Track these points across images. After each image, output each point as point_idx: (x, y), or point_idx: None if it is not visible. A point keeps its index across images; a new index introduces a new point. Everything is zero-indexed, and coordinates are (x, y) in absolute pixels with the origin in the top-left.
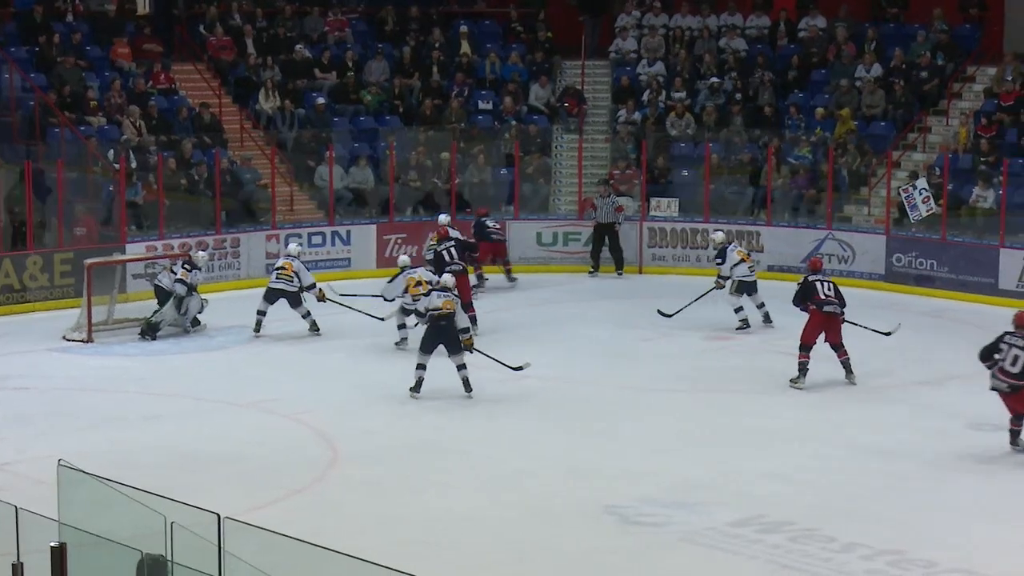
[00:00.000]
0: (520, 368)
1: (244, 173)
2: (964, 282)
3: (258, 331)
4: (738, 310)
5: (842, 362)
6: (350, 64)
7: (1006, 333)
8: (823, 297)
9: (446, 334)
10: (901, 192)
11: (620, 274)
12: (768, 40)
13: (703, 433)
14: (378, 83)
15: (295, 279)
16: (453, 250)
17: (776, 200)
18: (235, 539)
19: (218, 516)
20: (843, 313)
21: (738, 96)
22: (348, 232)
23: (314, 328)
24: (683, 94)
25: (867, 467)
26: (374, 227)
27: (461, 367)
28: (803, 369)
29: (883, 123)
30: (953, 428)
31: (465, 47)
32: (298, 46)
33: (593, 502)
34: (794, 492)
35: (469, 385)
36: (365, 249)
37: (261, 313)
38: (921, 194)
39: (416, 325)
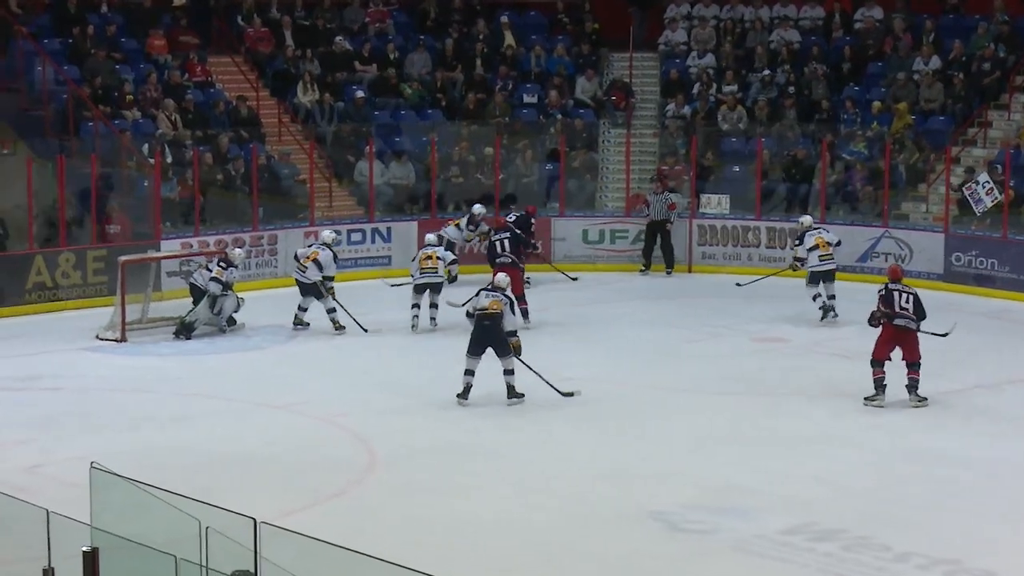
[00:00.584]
0: (570, 395)
1: (282, 168)
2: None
3: (298, 325)
4: (815, 297)
5: (909, 380)
6: (391, 57)
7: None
8: (898, 310)
9: (492, 335)
10: (964, 191)
11: (670, 273)
12: (823, 32)
13: (749, 437)
14: (419, 76)
15: (313, 269)
16: (506, 242)
17: (831, 197)
18: (271, 544)
19: (254, 521)
20: (919, 327)
21: (791, 89)
22: (388, 229)
23: (338, 327)
24: (734, 87)
25: (920, 473)
26: (415, 224)
27: (508, 372)
28: (879, 385)
29: (942, 117)
30: (1009, 432)
31: (509, 39)
32: (338, 38)
33: (634, 506)
34: (845, 498)
35: (513, 392)
36: (406, 247)
37: (301, 309)
38: (984, 187)
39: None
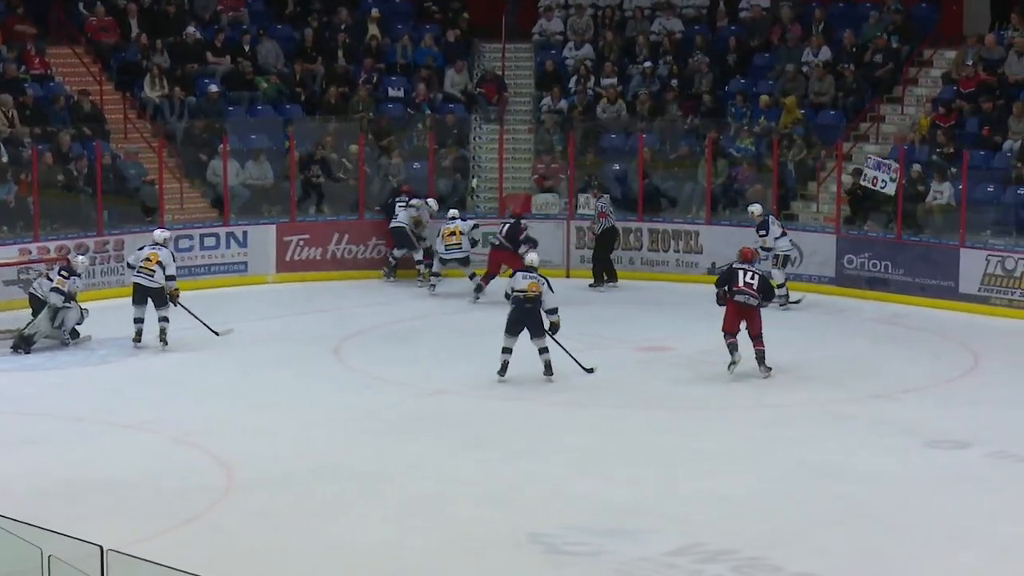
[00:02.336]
0: (591, 370)
1: (128, 168)
2: (922, 285)
3: (138, 340)
4: (780, 286)
5: (756, 352)
6: (246, 48)
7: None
8: (741, 286)
9: (531, 316)
10: (868, 184)
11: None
12: (707, 21)
13: (634, 453)
14: (276, 69)
15: (160, 272)
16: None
17: (716, 196)
18: (120, 573)
19: (101, 548)
20: (758, 305)
21: (674, 82)
22: (245, 233)
23: (162, 338)
24: (614, 80)
25: (815, 488)
26: (273, 227)
27: (543, 351)
28: (733, 348)
29: (832, 112)
30: (911, 445)
31: (374, 29)
32: (188, 28)
33: (516, 529)
34: (738, 517)
35: (550, 368)
36: (263, 252)
37: (138, 320)
38: (885, 169)
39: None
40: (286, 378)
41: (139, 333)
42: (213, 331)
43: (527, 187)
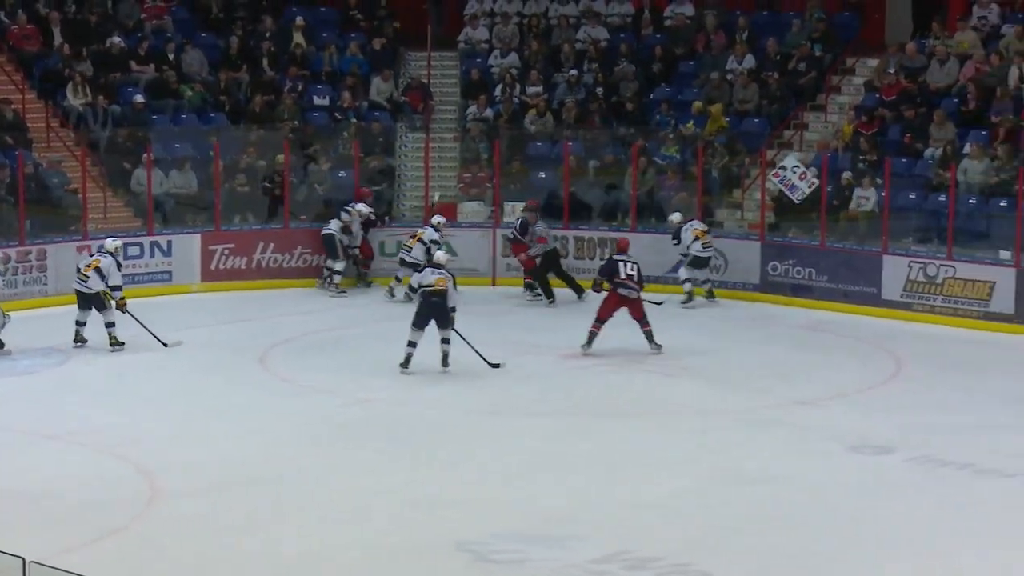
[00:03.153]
0: (497, 365)
1: (51, 177)
2: (845, 292)
3: (78, 342)
4: (684, 282)
5: (644, 333)
6: (170, 56)
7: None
8: (622, 278)
9: (438, 310)
10: (773, 178)
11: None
12: (632, 29)
13: (561, 460)
14: (201, 77)
15: (95, 279)
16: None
17: (641, 204)
18: None
19: (23, 560)
20: (639, 296)
21: (599, 90)
22: (169, 242)
23: (115, 343)
24: (539, 88)
25: (745, 495)
26: (198, 236)
27: (445, 341)
28: (591, 337)
29: (756, 119)
30: (836, 451)
31: (299, 37)
32: (112, 36)
33: (443, 538)
34: (664, 523)
35: (447, 360)
36: (188, 261)
37: (79, 324)
38: (795, 172)
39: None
40: (212, 387)
41: (77, 334)
42: (162, 342)
43: (453, 195)
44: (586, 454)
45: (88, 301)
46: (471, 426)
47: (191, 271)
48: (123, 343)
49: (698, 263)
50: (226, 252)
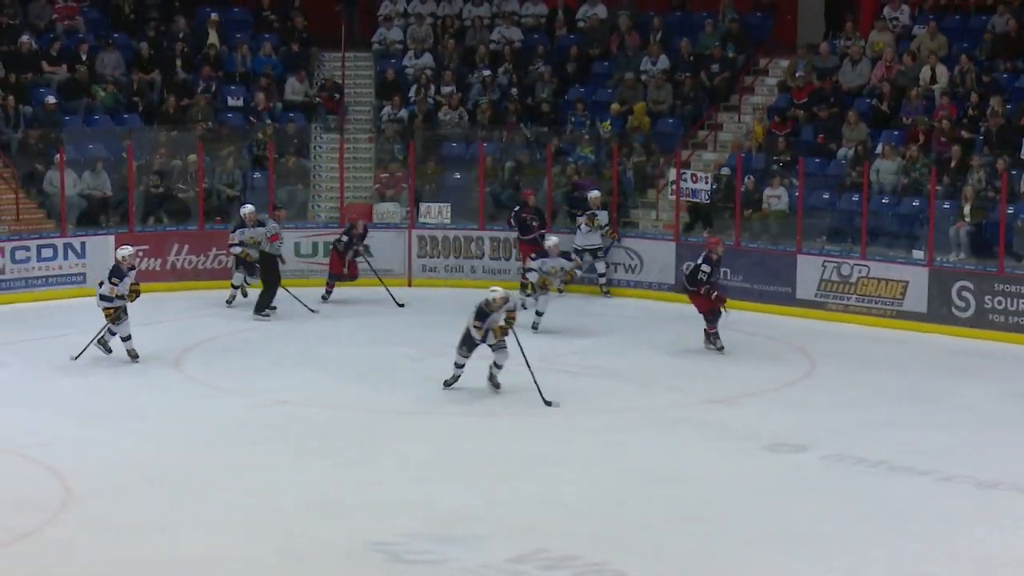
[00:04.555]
0: (550, 404)
1: None
2: (759, 291)
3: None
4: (602, 275)
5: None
6: (82, 56)
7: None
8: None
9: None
10: (680, 196)
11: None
12: (546, 30)
13: (475, 460)
14: (114, 78)
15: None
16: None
17: (556, 204)
18: None
19: None
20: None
21: (514, 91)
22: (83, 244)
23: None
24: (453, 88)
25: (657, 493)
26: (111, 238)
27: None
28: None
29: (671, 120)
30: (749, 449)
31: (213, 37)
32: (23, 36)
33: (356, 539)
34: (578, 523)
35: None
36: (101, 262)
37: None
38: (688, 179)
39: None
40: (126, 389)
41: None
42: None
43: (368, 196)
44: (497, 454)
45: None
46: (383, 427)
47: (105, 273)
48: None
49: (593, 253)
50: (140, 254)
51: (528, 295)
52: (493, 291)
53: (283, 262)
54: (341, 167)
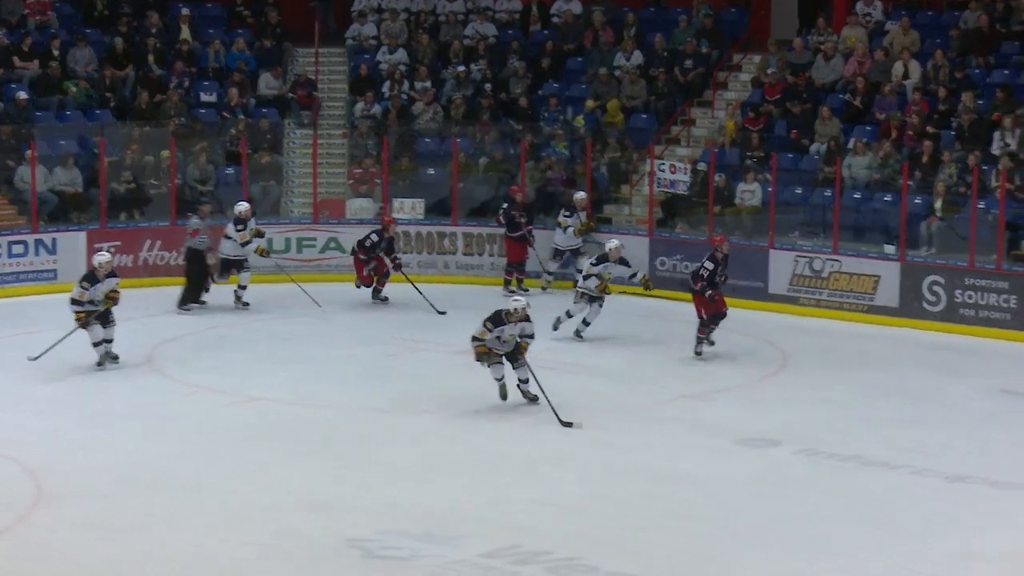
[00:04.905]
0: (569, 424)
1: None
2: (732, 287)
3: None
4: (551, 274)
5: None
6: (54, 52)
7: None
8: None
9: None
10: (659, 188)
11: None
12: (520, 25)
13: (453, 458)
14: (86, 73)
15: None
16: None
17: (532, 200)
18: None
19: None
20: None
21: (488, 86)
22: (54, 240)
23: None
24: (428, 84)
25: (631, 490)
26: (83, 234)
27: (523, 381)
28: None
29: (645, 115)
30: (723, 445)
31: (185, 33)
32: None
33: (332, 535)
34: (554, 520)
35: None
36: (73, 259)
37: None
38: (666, 170)
39: None
40: (99, 387)
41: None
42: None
43: (342, 192)
44: (474, 452)
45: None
46: (360, 425)
47: (76, 269)
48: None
49: (557, 255)
50: (112, 250)
51: (576, 303)
52: (516, 301)
53: (211, 260)
54: (314, 163)
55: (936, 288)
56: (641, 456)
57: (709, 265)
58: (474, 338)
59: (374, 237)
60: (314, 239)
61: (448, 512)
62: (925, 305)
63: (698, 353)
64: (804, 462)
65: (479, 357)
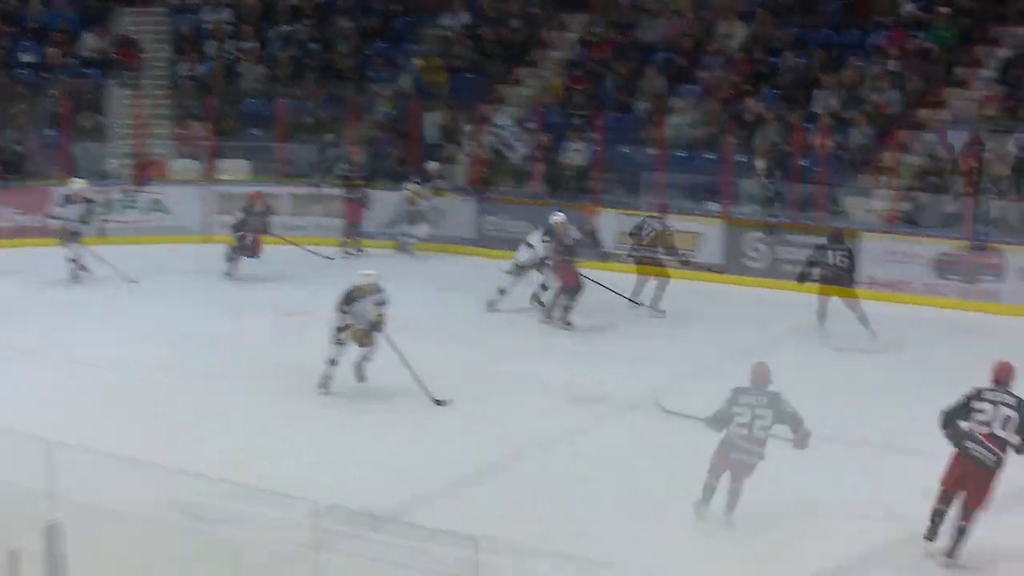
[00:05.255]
0: (441, 402)
1: None
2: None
3: None
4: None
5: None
6: None
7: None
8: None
9: None
10: (492, 137)
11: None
12: None
13: (276, 421)
14: None
15: None
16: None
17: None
18: None
19: None
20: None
21: (314, 46)
22: None
23: None
24: (254, 43)
25: (458, 449)
26: None
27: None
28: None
29: (472, 75)
30: (552, 403)
31: None
32: None
33: (154, 500)
34: (384, 480)
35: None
36: None
37: None
38: (510, 132)
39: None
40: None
41: None
42: None
43: (166, 153)
44: (303, 415)
45: None
46: (183, 391)
47: None
48: None
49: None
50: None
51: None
52: (365, 276)
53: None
54: (137, 124)
55: (759, 245)
56: (458, 413)
57: (575, 235)
58: (339, 329)
59: (239, 215)
60: (135, 200)
61: (270, 476)
62: (747, 262)
63: (568, 324)
64: (625, 416)
65: (360, 342)
